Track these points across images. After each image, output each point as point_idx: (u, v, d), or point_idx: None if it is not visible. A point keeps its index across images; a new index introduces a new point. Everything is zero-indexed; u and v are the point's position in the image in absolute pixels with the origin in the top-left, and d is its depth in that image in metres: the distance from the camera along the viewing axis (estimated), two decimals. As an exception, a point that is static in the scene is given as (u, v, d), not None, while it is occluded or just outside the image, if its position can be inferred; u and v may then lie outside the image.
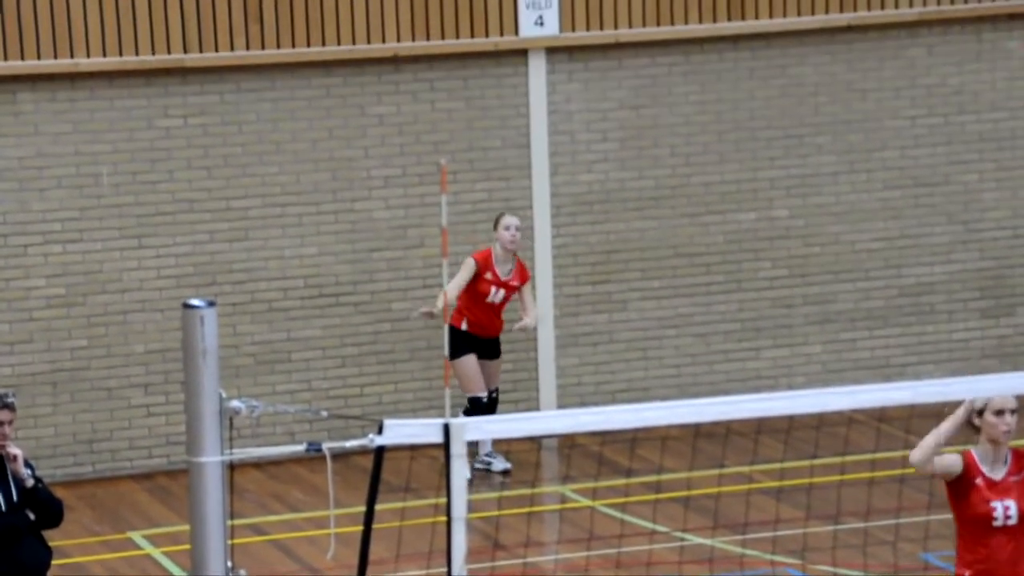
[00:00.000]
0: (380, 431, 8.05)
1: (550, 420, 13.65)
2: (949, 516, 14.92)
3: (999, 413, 10.67)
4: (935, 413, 15.83)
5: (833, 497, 15.54)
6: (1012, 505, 10.57)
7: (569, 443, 17.75)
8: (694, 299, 18.75)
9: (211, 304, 7.51)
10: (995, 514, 10.60)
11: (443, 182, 17.91)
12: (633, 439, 16.85)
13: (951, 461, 10.62)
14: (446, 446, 8.07)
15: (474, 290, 16.82)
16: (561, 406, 18.25)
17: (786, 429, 15.96)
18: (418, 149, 18.20)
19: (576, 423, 11.92)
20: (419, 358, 18.26)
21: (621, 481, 16.40)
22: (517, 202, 18.35)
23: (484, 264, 16.84)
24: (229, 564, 7.82)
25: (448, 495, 8.15)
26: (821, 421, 16.20)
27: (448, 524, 8.15)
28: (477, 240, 18.28)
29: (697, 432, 15.83)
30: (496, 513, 15.50)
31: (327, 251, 18.15)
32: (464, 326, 16.86)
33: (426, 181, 18.11)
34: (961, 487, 10.66)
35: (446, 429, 8.19)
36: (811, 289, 18.97)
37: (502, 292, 16.83)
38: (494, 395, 16.94)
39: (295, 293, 18.13)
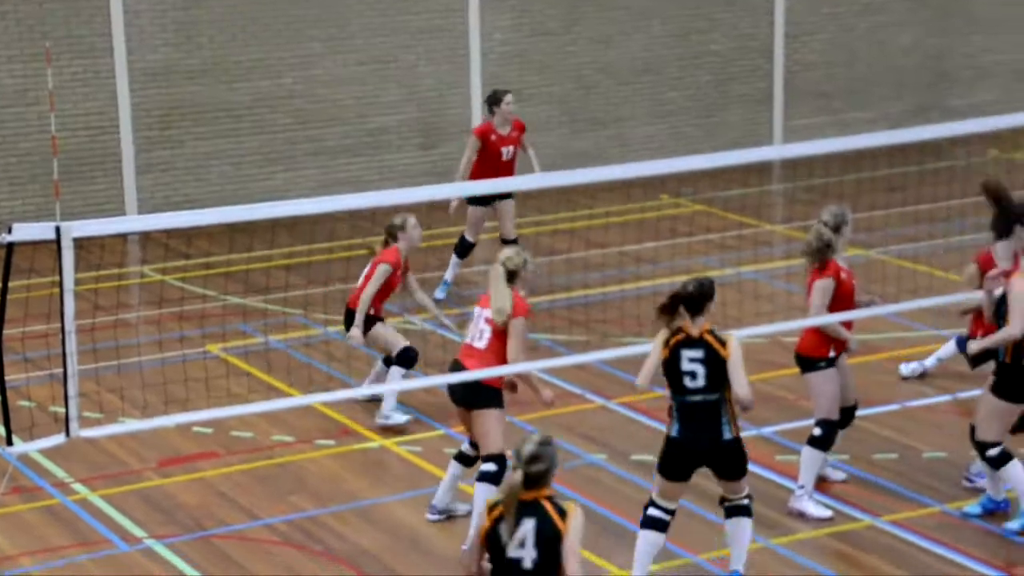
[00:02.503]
0: (10, 231, 7.88)
1: (134, 222, 13.57)
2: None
3: None
4: (385, 212, 16.14)
5: (325, 269, 15.73)
6: None
7: (147, 237, 17.53)
8: (229, 139, 18.59)
9: None
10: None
11: (48, 60, 17.42)
12: (190, 236, 16.74)
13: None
14: (58, 241, 7.96)
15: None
16: (140, 212, 17.99)
17: (291, 224, 16.06)
18: (31, 36, 17.57)
19: (152, 223, 11.86)
20: (38, 182, 17.78)
21: (182, 262, 16.31)
22: (103, 73, 17.92)
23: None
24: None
25: (60, 274, 8.04)
26: (316, 220, 16.30)
27: (61, 293, 8.05)
28: (76, 99, 17.80)
29: (232, 228, 15.80)
30: (94, 286, 15.26)
31: (-30, 108, 17.53)
32: None
33: (38, 59, 17.52)
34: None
35: (57, 230, 8.07)
36: (310, 132, 18.96)
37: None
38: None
39: (-50, 137, 17.50)
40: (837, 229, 10.25)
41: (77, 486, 11.24)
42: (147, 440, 11.81)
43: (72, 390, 9.06)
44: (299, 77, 18.82)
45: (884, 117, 21.07)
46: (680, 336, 8.95)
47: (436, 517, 10.49)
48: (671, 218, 17.83)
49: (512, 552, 6.74)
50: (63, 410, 8.41)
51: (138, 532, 10.50)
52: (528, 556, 6.72)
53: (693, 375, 8.89)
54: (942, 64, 21.68)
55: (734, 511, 9.19)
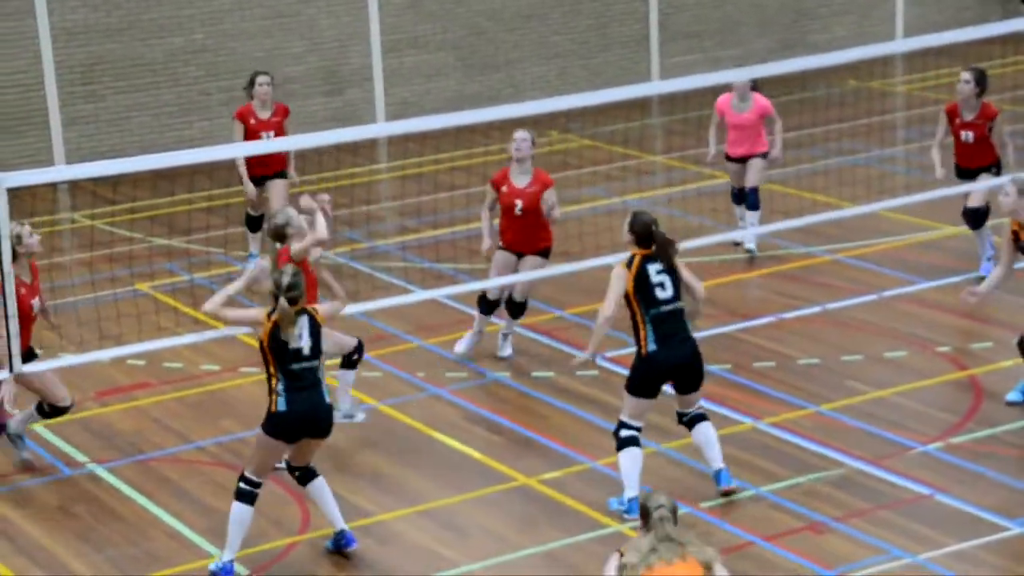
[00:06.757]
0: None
1: (63, 171, 13.36)
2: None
3: None
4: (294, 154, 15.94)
5: (243, 210, 15.57)
6: None
7: (75, 186, 17.29)
8: (147, 92, 18.32)
9: None
10: None
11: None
12: (115, 183, 16.53)
13: None
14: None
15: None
16: (68, 163, 17.71)
17: (209, 169, 15.83)
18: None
19: (80, 172, 11.67)
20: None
21: (109, 208, 16.12)
22: (27, 34, 17.59)
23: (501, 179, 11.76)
24: None
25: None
26: (232, 165, 16.12)
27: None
28: (2, 59, 17.43)
29: (155, 174, 15.61)
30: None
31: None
32: None
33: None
34: None
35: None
36: (222, 83, 18.73)
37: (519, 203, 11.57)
38: None
39: None
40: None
41: (21, 419, 11.12)
42: (85, 373, 11.69)
43: (13, 329, 8.96)
44: (209, 32, 18.56)
45: (751, 54, 21.17)
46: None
47: None
48: (561, 152, 17.85)
49: (293, 344, 8.77)
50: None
51: (81, 458, 10.46)
52: (305, 344, 8.80)
53: None
54: (801, 3, 21.81)
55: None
